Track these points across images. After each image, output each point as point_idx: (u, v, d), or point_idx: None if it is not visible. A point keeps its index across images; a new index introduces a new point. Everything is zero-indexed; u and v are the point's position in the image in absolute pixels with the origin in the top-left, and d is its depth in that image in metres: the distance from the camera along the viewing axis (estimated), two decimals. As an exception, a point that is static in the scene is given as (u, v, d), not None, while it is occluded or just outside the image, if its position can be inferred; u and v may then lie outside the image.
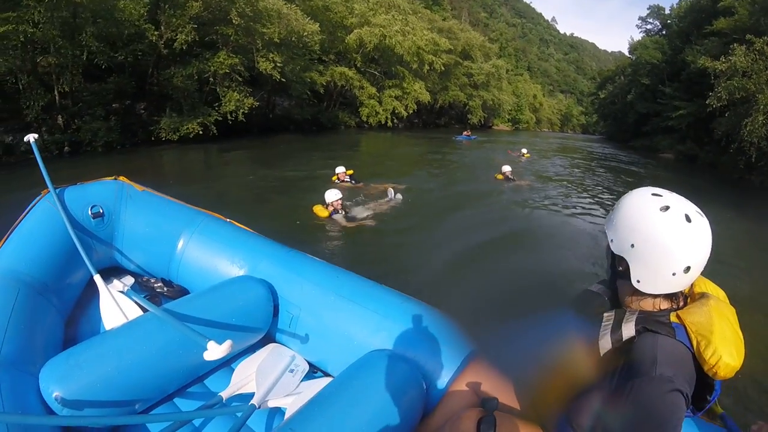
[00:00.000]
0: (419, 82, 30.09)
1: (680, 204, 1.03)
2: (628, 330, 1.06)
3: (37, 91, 11.55)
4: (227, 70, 15.49)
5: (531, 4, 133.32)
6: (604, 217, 1.35)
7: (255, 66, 16.45)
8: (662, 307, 1.10)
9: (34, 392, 1.45)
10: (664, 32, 38.21)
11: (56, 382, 1.45)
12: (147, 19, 13.38)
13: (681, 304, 1.11)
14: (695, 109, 21.17)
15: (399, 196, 7.93)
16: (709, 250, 1.02)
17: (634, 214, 1.06)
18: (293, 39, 17.20)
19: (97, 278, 1.99)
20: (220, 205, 6.62)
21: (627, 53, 46.24)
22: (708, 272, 1.11)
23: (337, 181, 8.92)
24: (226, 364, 1.97)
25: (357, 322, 1.91)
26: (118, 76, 13.71)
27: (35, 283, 1.88)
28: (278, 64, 16.37)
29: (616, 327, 1.09)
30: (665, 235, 1.00)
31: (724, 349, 0.96)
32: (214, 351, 1.38)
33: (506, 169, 11.25)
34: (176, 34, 14.12)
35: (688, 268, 1.01)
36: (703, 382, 1.02)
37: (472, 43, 38.30)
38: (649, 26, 40.11)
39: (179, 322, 1.60)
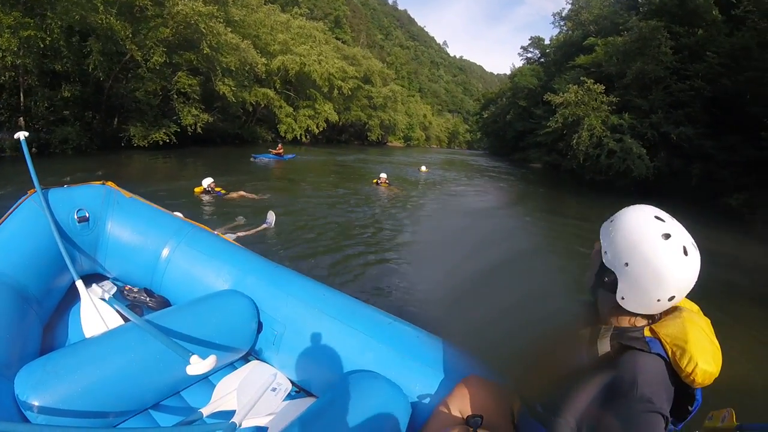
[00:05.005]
0: (329, 103, 36.24)
1: (680, 234, 1.08)
2: (603, 346, 1.14)
3: (42, 91, 14.26)
4: (187, 89, 19.52)
5: (425, 29, 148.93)
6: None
7: (213, 88, 20.85)
8: (637, 324, 1.16)
9: (9, 397, 1.46)
10: (542, 60, 44.37)
11: (32, 388, 1.46)
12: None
13: (656, 318, 1.18)
14: (558, 127, 26.13)
15: (271, 218, 7.49)
16: (695, 282, 1.09)
17: (634, 234, 1.10)
18: (246, 69, 22.27)
19: (80, 284, 2.04)
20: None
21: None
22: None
23: (203, 193, 9.00)
24: (206, 378, 2.01)
25: (342, 341, 1.97)
26: (82, 85, 15.94)
27: (16, 284, 1.90)
28: (233, 88, 21.19)
29: (591, 344, 1.17)
30: (662, 264, 1.06)
31: (700, 356, 1.02)
32: (198, 366, 1.39)
33: (383, 176, 13.40)
34: (149, 54, 17.31)
35: (672, 297, 1.09)
36: (684, 392, 1.08)
37: (373, 69, 45.22)
38: (529, 54, 47.05)
39: (162, 334, 1.64)
